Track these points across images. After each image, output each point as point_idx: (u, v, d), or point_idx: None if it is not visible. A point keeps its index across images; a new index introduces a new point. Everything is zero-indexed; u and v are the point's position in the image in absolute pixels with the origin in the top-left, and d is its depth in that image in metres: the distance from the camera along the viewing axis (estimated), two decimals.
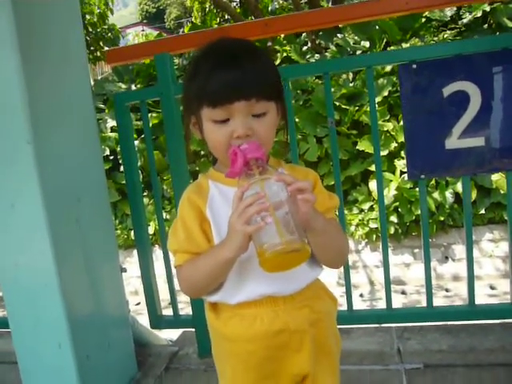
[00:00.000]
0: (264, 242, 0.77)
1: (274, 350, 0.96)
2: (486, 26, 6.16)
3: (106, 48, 8.79)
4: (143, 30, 19.71)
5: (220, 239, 0.91)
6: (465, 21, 6.22)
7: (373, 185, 5.42)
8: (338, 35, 6.62)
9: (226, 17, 9.34)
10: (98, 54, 8.80)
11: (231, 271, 0.90)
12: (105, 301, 1.70)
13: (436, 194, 5.14)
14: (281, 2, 8.95)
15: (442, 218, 5.18)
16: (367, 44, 6.38)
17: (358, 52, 6.34)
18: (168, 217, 5.87)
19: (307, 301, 0.97)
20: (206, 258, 0.90)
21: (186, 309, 2.23)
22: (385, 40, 6.27)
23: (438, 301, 4.34)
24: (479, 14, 6.07)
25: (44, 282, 1.44)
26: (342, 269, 1.83)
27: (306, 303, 0.97)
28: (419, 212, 5.09)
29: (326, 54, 6.59)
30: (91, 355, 1.56)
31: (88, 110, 1.69)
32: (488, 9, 6.00)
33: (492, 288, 4.75)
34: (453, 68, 1.64)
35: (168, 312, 2.12)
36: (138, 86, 6.93)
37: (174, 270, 2.04)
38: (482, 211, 5.17)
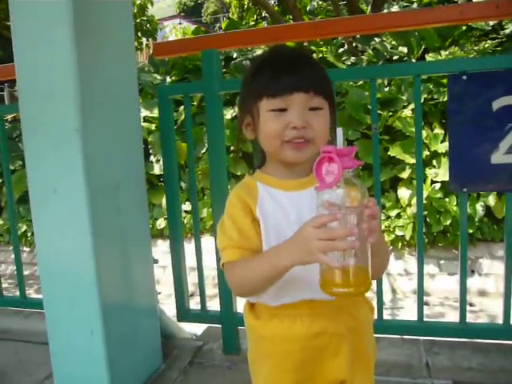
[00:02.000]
0: (332, 275, 0.76)
1: (312, 351, 0.95)
2: None
3: (144, 39, 8.89)
4: (180, 23, 19.86)
5: (267, 240, 0.91)
6: (507, 31, 6.06)
7: (402, 192, 5.34)
8: (376, 39, 6.54)
9: (264, 14, 9.33)
10: (136, 44, 8.90)
11: None
12: (136, 291, 1.72)
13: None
14: (320, 2, 8.88)
15: (470, 231, 5.06)
16: (405, 50, 6.27)
17: (395, 57, 6.24)
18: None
19: (346, 307, 0.97)
20: (261, 261, 0.88)
21: (208, 302, 2.24)
22: (423, 46, 6.16)
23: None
24: None
25: (81, 269, 1.47)
26: None
27: (345, 309, 0.97)
28: (447, 223, 5.01)
29: (363, 57, 6.51)
30: (121, 343, 1.58)
31: (133, 100, 1.72)
32: None
33: None
34: (504, 81, 1.60)
35: (191, 303, 2.12)
36: (173, 78, 6.97)
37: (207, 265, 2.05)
38: None
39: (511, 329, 1.74)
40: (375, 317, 1.84)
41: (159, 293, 4.75)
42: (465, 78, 1.62)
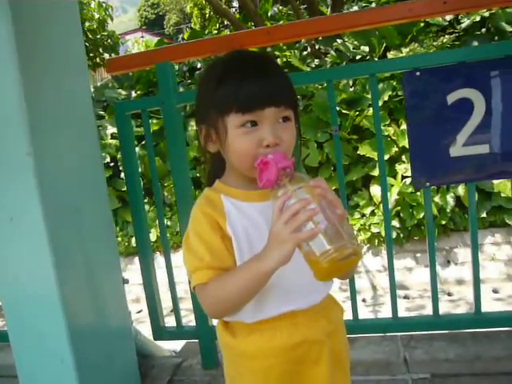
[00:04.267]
0: (315, 251, 0.75)
1: (294, 363, 0.94)
2: (484, 30, 6.15)
3: (106, 54, 8.80)
4: (142, 37, 19.76)
5: (241, 257, 0.88)
6: (463, 26, 6.22)
7: (374, 189, 5.41)
8: (338, 40, 6.62)
9: (226, 23, 9.35)
10: (98, 60, 8.80)
11: None
12: (107, 313, 1.68)
13: (437, 198, 5.13)
14: (280, 7, 8.96)
15: (443, 222, 5.16)
16: (367, 49, 6.37)
17: (358, 57, 6.33)
18: (169, 223, 5.85)
19: (323, 312, 0.97)
20: (239, 273, 0.85)
21: (189, 316, 2.20)
22: (384, 45, 6.27)
23: (442, 305, 4.29)
24: (478, 18, 6.07)
25: (44, 295, 1.42)
26: None
27: (322, 314, 0.97)
28: (421, 216, 5.09)
29: (326, 59, 6.59)
30: (94, 369, 1.54)
31: (88, 119, 1.68)
32: (487, 14, 6.00)
33: (495, 292, 4.73)
34: (456, 75, 1.63)
35: (171, 319, 2.09)
36: (138, 92, 6.92)
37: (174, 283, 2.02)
38: (484, 215, 5.15)
39: (483, 317, 1.76)
40: (351, 317, 1.84)
41: (140, 311, 4.68)
42: (418, 74, 1.64)
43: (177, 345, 2.16)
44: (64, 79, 1.53)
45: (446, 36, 6.18)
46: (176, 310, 1.99)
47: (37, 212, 1.36)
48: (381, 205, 5.30)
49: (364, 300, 4.96)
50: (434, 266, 1.75)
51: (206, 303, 0.89)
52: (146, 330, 2.10)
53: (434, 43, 6.11)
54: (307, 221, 0.75)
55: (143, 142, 5.67)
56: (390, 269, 1.77)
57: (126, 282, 1.83)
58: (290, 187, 0.79)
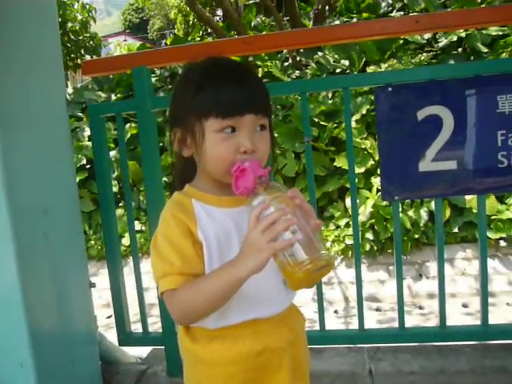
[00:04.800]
0: (290, 261, 0.76)
1: (255, 371, 0.93)
2: (460, 50, 6.33)
3: (88, 56, 8.72)
4: (125, 40, 19.65)
5: (210, 263, 0.87)
6: (440, 45, 6.38)
7: (349, 201, 5.46)
8: (319, 53, 6.72)
9: (209, 30, 9.38)
10: (79, 61, 8.71)
11: None
12: (71, 317, 1.65)
13: (411, 212, 5.20)
14: (263, 18, 9.04)
15: (416, 236, 5.24)
16: (347, 63, 6.48)
17: (338, 70, 6.43)
18: (144, 228, 5.79)
19: (285, 320, 0.97)
20: (210, 280, 0.84)
21: (159, 323, 2.18)
22: (364, 60, 6.38)
23: (413, 318, 4.35)
24: (454, 38, 6.24)
25: (6, 297, 1.39)
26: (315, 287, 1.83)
27: (284, 322, 0.96)
28: None
29: (307, 70, 6.67)
30: (54, 374, 1.51)
31: (61, 120, 1.66)
32: (463, 34, 6.18)
33: (465, 306, 4.80)
34: (427, 92, 1.67)
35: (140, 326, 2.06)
36: (118, 95, 6.87)
37: (143, 290, 2.00)
38: (456, 230, 5.25)
39: (448, 330, 1.79)
40: (318, 327, 1.85)
41: (109, 316, 4.60)
42: (390, 89, 1.68)
43: (143, 351, 2.13)
44: (37, 79, 1.51)
45: (424, 54, 6.34)
46: (143, 316, 1.97)
47: (1, 212, 1.33)
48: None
49: (336, 311, 4.97)
50: (400, 279, 1.78)
51: (174, 309, 0.87)
52: (115, 336, 2.07)
53: (412, 60, 6.26)
54: (285, 231, 0.76)
55: None
56: (358, 280, 1.79)
57: (92, 285, 1.80)
58: (266, 196, 0.80)
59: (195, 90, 0.87)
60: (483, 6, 6.24)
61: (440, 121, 1.66)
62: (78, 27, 8.77)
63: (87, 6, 9.20)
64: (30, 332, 1.40)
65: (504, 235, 5.12)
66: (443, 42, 6.36)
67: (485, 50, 6.07)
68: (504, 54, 5.80)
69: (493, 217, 5.12)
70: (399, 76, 1.71)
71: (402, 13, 7.37)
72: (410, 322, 1.83)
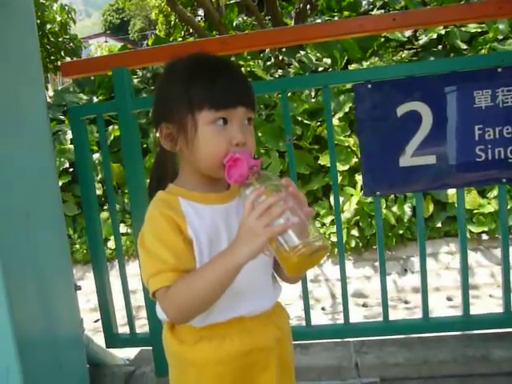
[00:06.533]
0: (285, 246, 0.78)
1: (243, 370, 0.93)
2: (440, 47, 6.42)
3: (68, 58, 8.63)
4: (106, 41, 19.48)
5: (201, 260, 0.87)
6: (421, 42, 6.47)
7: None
8: (301, 52, 6.75)
9: (191, 30, 9.36)
10: (59, 63, 8.61)
11: None
12: (57, 320, 1.64)
13: (395, 208, 5.26)
14: (245, 18, 9.05)
15: (400, 232, 5.30)
16: (329, 61, 6.52)
17: (320, 69, 6.47)
18: (129, 231, 5.76)
19: (271, 317, 0.97)
20: (206, 271, 0.83)
21: (147, 326, 2.18)
22: (346, 58, 6.43)
23: (399, 313, 4.40)
24: (434, 36, 6.33)
25: None
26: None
27: (270, 320, 0.97)
28: None
29: (289, 69, 6.69)
30: (42, 378, 1.50)
31: (41, 123, 1.65)
32: (443, 32, 6.27)
33: (449, 299, 4.88)
34: (406, 89, 1.70)
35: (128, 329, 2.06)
36: (100, 97, 6.81)
37: (133, 292, 2.00)
38: (439, 224, 5.33)
39: (430, 322, 1.82)
40: (304, 323, 1.87)
41: (97, 320, 4.56)
42: (370, 86, 1.70)
43: (131, 353, 2.13)
44: (15, 82, 1.50)
45: (405, 51, 6.41)
46: (129, 317, 1.96)
47: None
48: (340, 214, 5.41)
49: (323, 308, 5.01)
50: (384, 273, 1.81)
51: (170, 307, 0.85)
52: (103, 339, 2.06)
53: (394, 58, 6.33)
54: (281, 215, 0.77)
55: None
56: (342, 271, 1.81)
57: (78, 288, 1.80)
58: (258, 185, 0.81)
59: (186, 83, 0.87)
60: (462, 3, 6.34)
61: (419, 116, 1.69)
62: (57, 29, 8.68)
63: (66, 8, 9.10)
64: (16, 336, 1.38)
65: (486, 229, 5.20)
66: (423, 39, 6.44)
67: (464, 46, 6.17)
68: (483, 51, 5.90)
69: (475, 211, 5.20)
70: (379, 73, 1.74)
71: (382, 11, 7.45)
72: (396, 316, 1.86)
